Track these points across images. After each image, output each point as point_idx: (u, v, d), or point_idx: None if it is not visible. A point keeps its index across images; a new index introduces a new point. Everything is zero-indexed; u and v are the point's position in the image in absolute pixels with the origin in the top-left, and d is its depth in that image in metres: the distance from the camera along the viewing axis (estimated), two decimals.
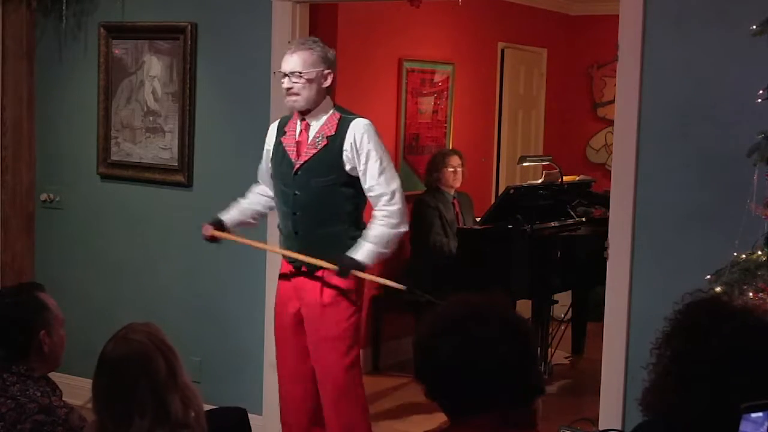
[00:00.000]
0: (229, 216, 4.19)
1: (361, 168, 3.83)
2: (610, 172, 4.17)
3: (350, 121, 3.86)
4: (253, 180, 4.77)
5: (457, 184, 6.28)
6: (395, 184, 3.86)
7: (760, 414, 1.83)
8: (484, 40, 7.22)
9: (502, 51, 7.46)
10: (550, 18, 7.97)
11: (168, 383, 2.45)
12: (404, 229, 3.88)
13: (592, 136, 8.32)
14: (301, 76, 3.82)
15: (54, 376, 3.08)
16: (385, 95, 6.28)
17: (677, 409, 1.99)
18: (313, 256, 3.86)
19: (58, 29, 5.29)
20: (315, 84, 3.84)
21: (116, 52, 5.15)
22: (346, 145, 3.82)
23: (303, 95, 3.83)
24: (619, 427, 3.89)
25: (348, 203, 3.89)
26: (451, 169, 6.22)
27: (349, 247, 3.84)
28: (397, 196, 3.84)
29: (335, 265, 3.80)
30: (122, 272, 5.24)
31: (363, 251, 3.81)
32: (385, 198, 3.83)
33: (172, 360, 2.49)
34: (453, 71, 6.84)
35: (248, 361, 4.86)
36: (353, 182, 3.86)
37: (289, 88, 3.84)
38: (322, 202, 3.87)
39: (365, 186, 3.84)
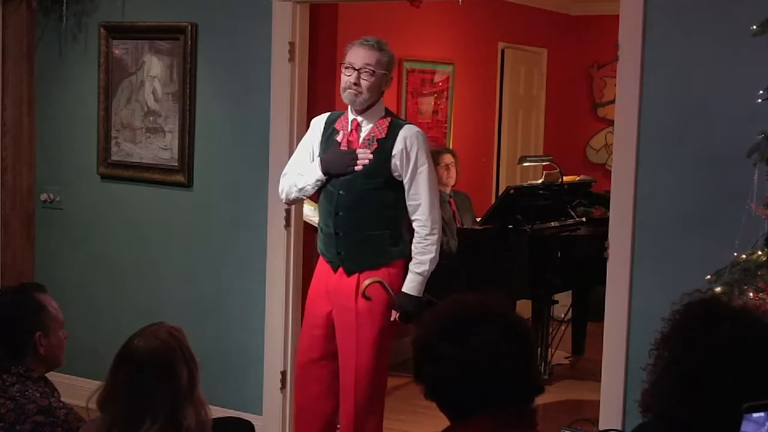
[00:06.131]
0: None
1: (407, 176, 3.84)
2: (610, 172, 4.17)
3: (401, 127, 3.87)
4: (253, 179, 4.78)
5: (452, 182, 6.25)
6: (436, 199, 3.89)
7: (762, 414, 1.83)
8: (484, 40, 7.22)
9: (502, 51, 7.47)
10: (550, 18, 7.97)
11: (187, 393, 2.38)
12: (439, 245, 3.93)
13: (592, 136, 8.33)
14: (372, 74, 3.81)
15: (54, 376, 3.07)
16: (385, 95, 6.25)
17: (676, 410, 1.99)
18: (352, 258, 3.87)
19: (58, 29, 5.28)
20: (377, 85, 3.84)
21: (116, 52, 5.15)
22: (396, 151, 3.81)
23: (366, 94, 3.82)
24: (619, 427, 3.89)
25: (391, 209, 3.89)
26: (444, 165, 6.19)
27: (387, 253, 3.88)
28: (436, 214, 3.87)
29: (398, 306, 3.86)
30: (122, 272, 5.23)
31: (416, 286, 3.87)
32: (425, 214, 3.84)
33: (193, 371, 2.42)
34: (453, 71, 6.84)
35: (248, 362, 4.86)
36: (398, 187, 3.86)
37: (354, 83, 3.81)
38: (366, 204, 3.85)
39: (408, 194, 3.86)
